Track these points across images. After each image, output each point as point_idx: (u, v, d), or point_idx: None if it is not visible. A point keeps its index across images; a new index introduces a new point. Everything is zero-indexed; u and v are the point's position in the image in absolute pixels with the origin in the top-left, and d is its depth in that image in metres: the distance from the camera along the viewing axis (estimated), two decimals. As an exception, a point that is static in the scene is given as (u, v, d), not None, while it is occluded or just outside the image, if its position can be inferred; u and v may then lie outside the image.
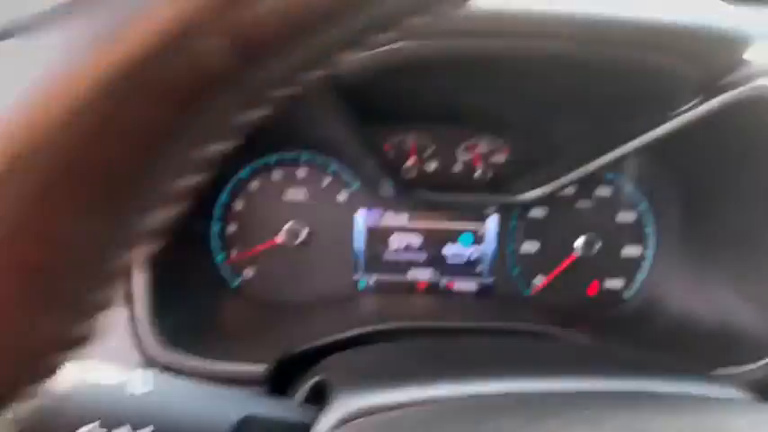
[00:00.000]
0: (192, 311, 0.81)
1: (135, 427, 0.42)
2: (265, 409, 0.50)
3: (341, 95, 0.74)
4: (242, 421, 0.48)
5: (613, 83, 0.72)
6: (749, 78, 0.69)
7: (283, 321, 0.91)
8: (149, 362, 0.69)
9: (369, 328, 0.78)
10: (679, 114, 0.74)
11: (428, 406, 0.51)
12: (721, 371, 0.77)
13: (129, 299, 0.70)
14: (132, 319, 0.70)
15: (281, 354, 0.72)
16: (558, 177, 0.88)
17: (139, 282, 0.71)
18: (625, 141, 0.79)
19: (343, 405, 0.51)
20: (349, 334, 0.78)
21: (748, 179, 0.84)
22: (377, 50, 0.65)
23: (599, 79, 0.72)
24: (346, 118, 0.82)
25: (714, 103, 0.70)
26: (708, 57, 0.68)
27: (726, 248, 0.90)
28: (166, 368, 0.70)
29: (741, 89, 0.69)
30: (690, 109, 0.72)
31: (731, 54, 0.69)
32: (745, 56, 0.70)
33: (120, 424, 0.42)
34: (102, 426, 0.41)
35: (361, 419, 0.49)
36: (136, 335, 0.69)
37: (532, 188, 0.92)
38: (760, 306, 0.83)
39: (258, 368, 0.71)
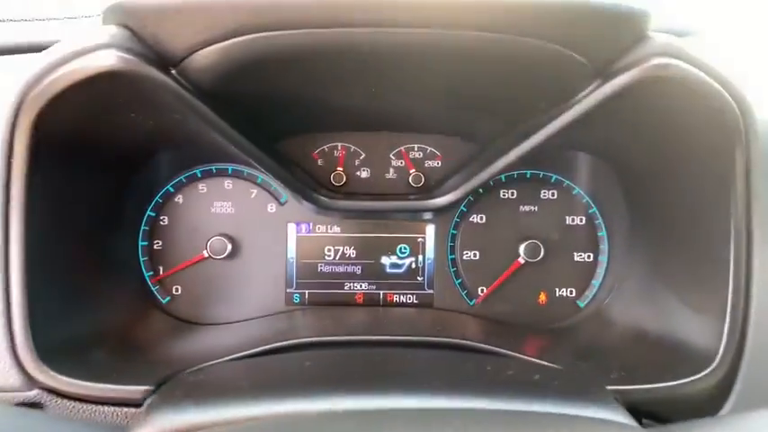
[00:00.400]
0: (96, 328, 0.80)
1: None
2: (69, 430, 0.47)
3: (221, 109, 0.72)
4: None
5: (510, 73, 0.67)
6: (645, 59, 0.63)
7: (207, 339, 0.89)
8: (29, 382, 0.68)
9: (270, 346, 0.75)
10: (579, 101, 0.68)
11: (241, 425, 0.47)
12: (672, 382, 0.70)
13: (8, 316, 0.69)
14: (12, 341, 0.68)
15: (168, 375, 0.70)
16: (476, 175, 0.83)
17: (18, 300, 0.69)
18: (535, 133, 0.74)
19: (149, 426, 0.48)
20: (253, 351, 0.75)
21: (684, 174, 0.77)
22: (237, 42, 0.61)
23: (496, 70, 0.67)
24: (254, 131, 0.79)
25: (610, 87, 0.65)
26: (598, 40, 0.63)
27: (672, 256, 0.83)
28: (46, 389, 0.68)
29: (634, 71, 0.63)
30: (588, 94, 0.67)
31: (623, 35, 0.63)
32: (647, 33, 0.64)
33: None
34: None
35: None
36: (12, 349, 0.68)
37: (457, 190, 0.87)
38: (707, 318, 0.75)
39: (139, 389, 0.68)
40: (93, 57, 0.61)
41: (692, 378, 0.70)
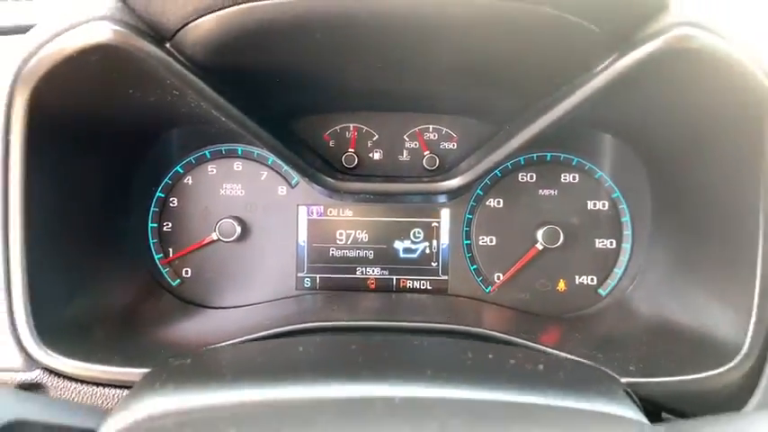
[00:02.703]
0: (100, 309, 0.79)
1: None
2: (42, 412, 0.46)
3: (226, 86, 0.69)
4: (7, 425, 0.44)
5: (525, 45, 0.63)
6: (666, 29, 0.59)
7: (215, 322, 0.88)
8: (30, 363, 0.67)
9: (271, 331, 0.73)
10: (596, 75, 0.64)
11: (222, 411, 0.45)
12: (695, 375, 0.66)
13: (8, 298, 0.68)
14: (13, 321, 0.67)
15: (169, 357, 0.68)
16: (492, 154, 0.80)
17: (19, 283, 0.68)
18: (552, 109, 0.70)
19: (128, 409, 0.46)
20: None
21: (710, 155, 0.72)
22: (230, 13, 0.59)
23: (510, 41, 0.63)
24: (262, 111, 0.77)
25: (628, 59, 0.60)
26: (615, 9, 0.59)
27: (698, 244, 0.78)
28: (47, 370, 0.67)
29: (654, 42, 0.58)
30: (606, 68, 0.63)
31: (643, 3, 0.59)
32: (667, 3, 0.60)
33: None
34: None
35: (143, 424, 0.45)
36: (14, 330, 0.67)
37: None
38: (733, 309, 0.71)
39: (140, 372, 0.67)
40: (86, 29, 0.59)
41: (716, 371, 0.66)
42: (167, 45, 0.62)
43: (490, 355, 0.59)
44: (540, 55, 0.65)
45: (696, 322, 0.76)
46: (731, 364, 0.66)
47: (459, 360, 0.63)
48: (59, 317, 0.71)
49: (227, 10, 0.57)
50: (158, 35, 0.62)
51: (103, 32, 0.59)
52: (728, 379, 0.66)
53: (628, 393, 0.58)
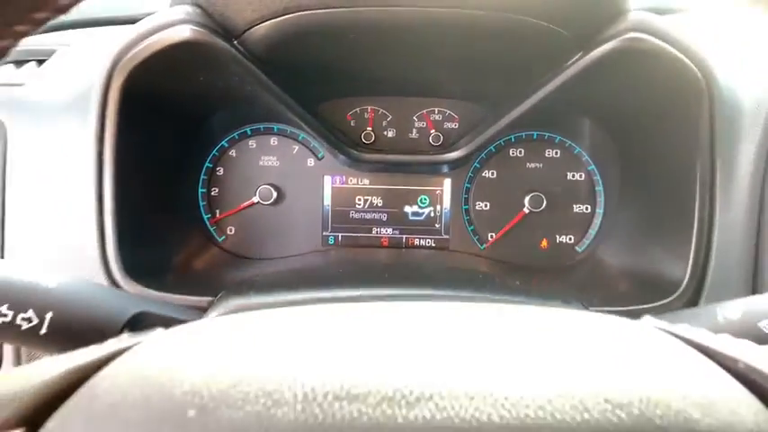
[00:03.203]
0: (167, 257, 0.97)
1: (38, 312, 0.57)
2: (158, 308, 0.64)
3: (273, 75, 0.87)
4: (135, 315, 0.61)
5: (508, 45, 0.81)
6: (620, 33, 0.77)
7: (255, 270, 1.05)
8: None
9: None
10: (567, 68, 0.82)
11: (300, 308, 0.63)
12: (647, 305, 0.84)
13: (102, 243, 0.86)
14: (106, 261, 0.85)
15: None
16: (485, 132, 0.98)
17: (111, 231, 0.86)
18: (532, 95, 0.88)
19: (225, 305, 0.64)
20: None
21: (661, 135, 0.90)
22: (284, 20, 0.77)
23: (496, 42, 0.81)
24: (297, 95, 0.95)
25: (590, 57, 0.78)
26: (579, 17, 0.76)
27: (654, 207, 0.96)
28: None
29: (611, 44, 0.76)
30: (574, 63, 0.81)
31: (602, 12, 0.77)
32: (624, 10, 0.78)
33: (27, 308, 0.56)
34: (9, 308, 0.56)
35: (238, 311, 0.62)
36: (107, 268, 0.84)
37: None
38: (676, 259, 0.89)
39: (205, 299, 0.84)
40: (172, 30, 0.77)
41: (664, 301, 0.84)
42: (235, 42, 0.80)
43: (480, 276, 0.77)
44: (520, 52, 0.83)
45: (652, 269, 0.94)
46: (675, 296, 0.83)
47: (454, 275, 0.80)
48: (139, 262, 0.88)
49: (282, 17, 0.75)
50: (228, 34, 0.79)
51: (186, 32, 0.76)
52: (673, 306, 0.84)
53: (584, 305, 0.76)
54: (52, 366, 0.38)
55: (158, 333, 0.42)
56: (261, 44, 0.80)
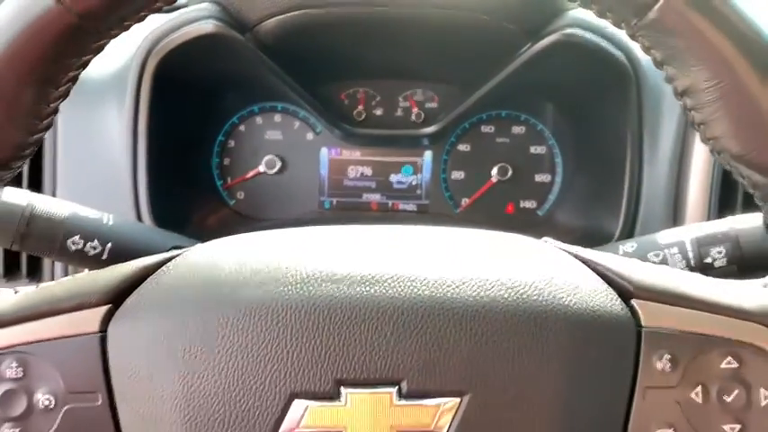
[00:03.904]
0: (187, 215, 1.15)
1: (101, 242, 0.75)
2: (188, 243, 0.82)
3: (278, 61, 1.06)
4: (173, 247, 0.80)
5: (468, 37, 1.00)
6: (560, 28, 0.95)
7: (260, 228, 1.23)
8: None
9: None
10: (519, 56, 1.00)
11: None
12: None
13: (136, 202, 1.04)
14: (139, 215, 1.03)
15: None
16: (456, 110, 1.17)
17: (144, 192, 1.04)
18: (487, 82, 1.06)
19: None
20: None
21: (601, 113, 1.09)
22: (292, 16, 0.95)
23: (458, 35, 0.99)
24: (299, 78, 1.13)
25: (535, 48, 0.97)
26: (527, 14, 0.95)
27: (598, 174, 1.15)
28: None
29: (551, 37, 0.94)
30: (524, 52, 0.99)
31: (546, 10, 0.95)
32: (567, 8, 0.96)
33: (93, 239, 0.74)
34: (80, 239, 0.74)
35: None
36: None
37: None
38: (614, 215, 1.07)
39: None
40: (198, 24, 0.95)
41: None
42: (247, 34, 0.98)
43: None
44: (481, 43, 1.01)
45: (596, 226, 1.12)
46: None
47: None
48: (165, 218, 1.05)
49: (288, 14, 0.93)
50: (243, 28, 0.98)
51: (210, 26, 0.94)
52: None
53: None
54: (128, 265, 0.55)
55: (200, 245, 0.60)
56: (269, 36, 0.98)
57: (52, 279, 1.05)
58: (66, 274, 1.03)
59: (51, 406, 0.45)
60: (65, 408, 0.45)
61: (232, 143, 1.29)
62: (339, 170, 1.30)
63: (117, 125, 1.02)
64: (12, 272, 0.49)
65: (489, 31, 0.96)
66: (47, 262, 1.03)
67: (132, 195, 1.01)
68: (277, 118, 1.29)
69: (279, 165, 1.27)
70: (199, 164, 1.26)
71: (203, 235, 1.16)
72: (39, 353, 0.45)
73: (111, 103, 1.03)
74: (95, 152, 1.04)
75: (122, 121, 1.01)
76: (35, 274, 1.01)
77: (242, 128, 1.29)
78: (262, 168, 1.28)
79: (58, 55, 0.44)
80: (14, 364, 0.45)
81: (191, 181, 1.20)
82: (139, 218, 1.02)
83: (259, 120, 1.29)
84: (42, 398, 0.45)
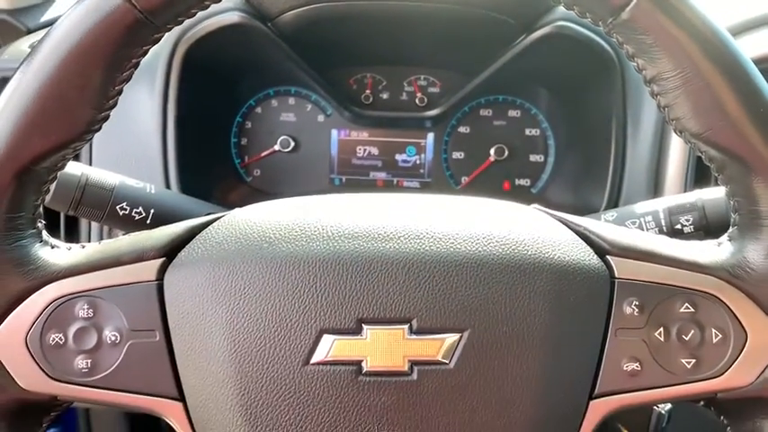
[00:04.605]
0: (209, 190, 1.25)
1: (145, 209, 0.85)
2: (220, 211, 0.92)
3: (295, 48, 1.15)
4: (207, 213, 0.90)
5: (468, 29, 1.09)
6: (552, 21, 1.04)
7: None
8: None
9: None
10: (514, 47, 1.10)
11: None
12: None
13: (166, 174, 1.14)
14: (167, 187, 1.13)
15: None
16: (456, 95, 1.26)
17: (173, 168, 1.14)
18: (485, 69, 1.16)
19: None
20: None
21: (589, 97, 1.18)
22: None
23: (459, 26, 1.09)
24: (312, 64, 1.23)
25: (529, 39, 1.06)
26: (522, 8, 1.04)
27: (588, 155, 1.25)
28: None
29: (544, 29, 1.04)
30: (518, 43, 1.09)
31: (539, 4, 1.04)
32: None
33: (138, 206, 0.85)
34: (127, 205, 0.84)
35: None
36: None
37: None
38: (600, 191, 1.17)
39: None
40: (224, 15, 1.05)
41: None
42: (269, 24, 1.08)
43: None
44: (480, 34, 1.11)
45: (584, 201, 1.22)
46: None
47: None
48: (191, 193, 1.15)
49: (305, 7, 1.03)
50: (264, 19, 1.07)
51: (235, 17, 1.04)
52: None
53: None
54: (178, 225, 0.64)
55: (238, 209, 0.69)
56: (288, 26, 1.08)
57: (88, 240, 1.15)
58: (100, 236, 1.13)
59: (117, 341, 0.53)
60: (129, 343, 0.54)
61: (249, 124, 1.38)
62: (348, 150, 1.40)
63: (148, 107, 1.11)
64: (51, 232, 0.56)
65: (488, 23, 1.05)
66: (83, 226, 1.13)
67: (163, 171, 1.11)
68: (291, 101, 1.38)
69: (292, 144, 1.37)
70: (219, 144, 1.36)
71: (225, 209, 1.26)
72: (106, 297, 0.53)
73: (142, 87, 1.13)
74: (129, 131, 1.13)
75: (153, 103, 1.11)
76: (73, 234, 1.12)
77: (258, 110, 1.38)
78: (276, 148, 1.37)
79: (123, 45, 0.51)
80: (86, 306, 0.53)
81: (213, 159, 1.31)
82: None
83: (274, 102, 1.38)
84: (110, 334, 0.53)
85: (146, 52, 0.55)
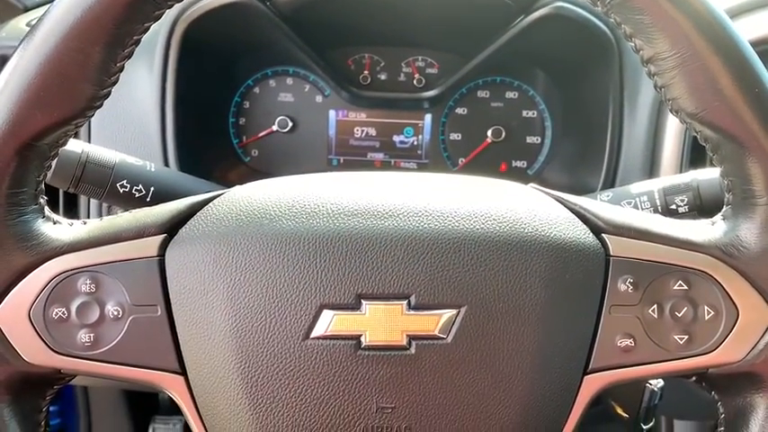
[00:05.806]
0: (208, 170, 1.25)
1: (145, 186, 0.85)
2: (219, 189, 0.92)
3: (293, 28, 1.16)
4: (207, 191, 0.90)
5: (467, 11, 1.09)
6: (550, 2, 1.05)
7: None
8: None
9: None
10: (511, 28, 1.10)
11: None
12: None
13: (165, 153, 1.14)
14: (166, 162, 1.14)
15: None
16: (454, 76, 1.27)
17: (171, 147, 1.14)
18: (483, 50, 1.16)
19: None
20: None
21: (585, 80, 1.19)
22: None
23: (458, 9, 1.09)
24: (310, 44, 1.23)
25: (527, 20, 1.06)
26: None
27: (584, 138, 1.26)
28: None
29: (541, 10, 1.04)
30: (516, 24, 1.09)
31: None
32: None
33: (138, 183, 0.85)
34: (127, 183, 0.84)
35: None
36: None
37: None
38: (596, 173, 1.18)
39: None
40: (224, -6, 1.05)
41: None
42: (268, 3, 1.08)
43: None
44: (479, 16, 1.11)
45: (580, 182, 1.23)
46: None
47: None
48: (189, 172, 1.16)
49: None
50: (263, -1, 1.07)
51: (233, -3, 1.04)
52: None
53: None
54: (179, 202, 0.65)
55: (238, 186, 0.70)
56: (287, 6, 1.08)
57: (88, 218, 1.16)
58: (99, 214, 1.14)
59: (119, 315, 0.54)
60: (131, 317, 0.55)
61: (247, 104, 1.38)
62: (346, 130, 1.40)
63: (147, 85, 1.11)
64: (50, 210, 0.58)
65: (486, 4, 1.06)
66: (82, 204, 1.14)
67: (161, 150, 1.12)
68: (289, 81, 1.38)
69: (290, 125, 1.37)
70: (217, 123, 1.36)
71: (225, 188, 1.26)
72: (108, 272, 0.54)
73: (141, 65, 1.12)
74: (127, 109, 1.13)
75: (152, 81, 1.11)
76: (72, 211, 1.13)
77: (256, 90, 1.38)
78: (274, 128, 1.37)
79: (125, 22, 0.51)
80: (88, 281, 0.54)
81: (211, 139, 1.31)
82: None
83: (272, 83, 1.38)
84: (112, 309, 0.55)
85: (147, 29, 0.55)
